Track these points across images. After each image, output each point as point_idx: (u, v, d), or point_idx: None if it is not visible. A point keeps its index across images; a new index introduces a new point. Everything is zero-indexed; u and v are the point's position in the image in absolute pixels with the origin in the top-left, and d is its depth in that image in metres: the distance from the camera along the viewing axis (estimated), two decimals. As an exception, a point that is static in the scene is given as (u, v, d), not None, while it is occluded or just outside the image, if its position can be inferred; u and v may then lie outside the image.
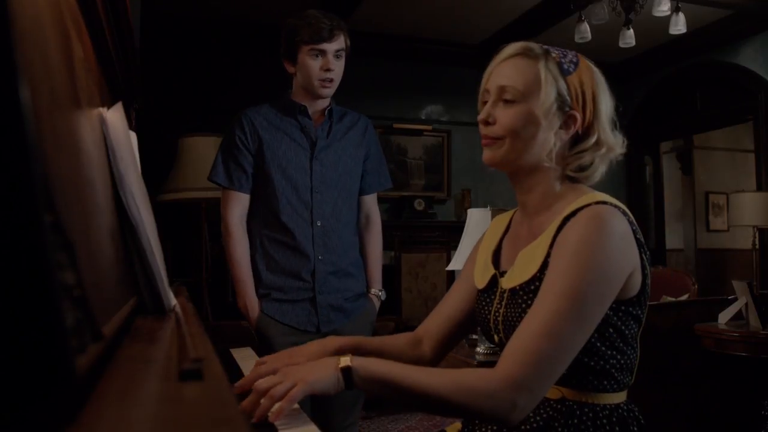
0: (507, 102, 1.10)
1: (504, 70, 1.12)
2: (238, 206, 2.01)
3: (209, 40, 4.68)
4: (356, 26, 4.32)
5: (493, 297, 1.18)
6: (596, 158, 1.11)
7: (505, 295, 1.14)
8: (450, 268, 2.42)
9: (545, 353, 0.95)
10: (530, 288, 1.08)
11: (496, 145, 1.12)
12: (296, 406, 1.00)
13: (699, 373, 2.81)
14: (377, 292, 2.15)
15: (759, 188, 4.95)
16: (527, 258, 1.10)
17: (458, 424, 1.25)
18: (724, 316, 2.77)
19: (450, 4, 4.55)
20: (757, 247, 4.63)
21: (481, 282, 1.23)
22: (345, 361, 0.98)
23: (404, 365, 1.01)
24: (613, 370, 1.06)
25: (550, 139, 1.08)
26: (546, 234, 1.08)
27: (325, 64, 1.93)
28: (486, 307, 1.20)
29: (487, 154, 1.14)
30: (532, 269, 1.08)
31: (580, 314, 0.97)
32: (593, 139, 1.10)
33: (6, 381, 0.33)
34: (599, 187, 1.15)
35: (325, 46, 1.92)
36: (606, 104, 1.12)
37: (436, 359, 1.29)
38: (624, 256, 1.02)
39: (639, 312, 1.08)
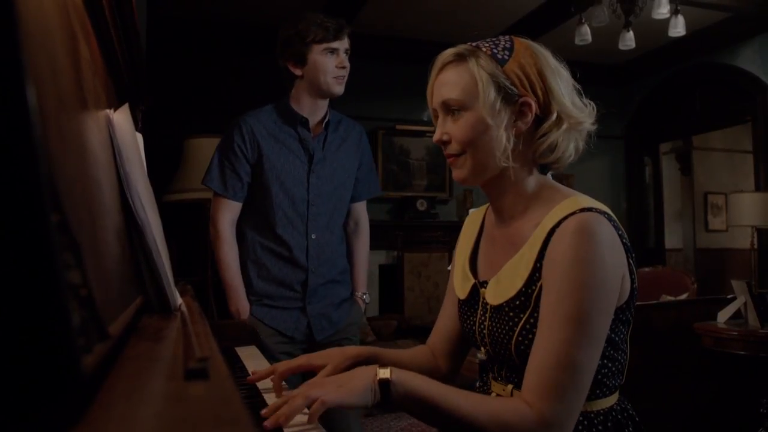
0: (454, 115, 1.06)
1: (441, 84, 1.08)
2: (230, 213, 1.99)
3: (215, 42, 4.68)
4: (359, 29, 4.31)
5: (476, 308, 1.14)
6: (560, 136, 1.04)
7: (489, 308, 1.09)
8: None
9: (567, 385, 0.92)
10: (515, 303, 1.04)
11: (460, 162, 1.07)
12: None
13: (698, 372, 2.82)
14: (362, 295, 2.16)
15: (757, 189, 4.95)
16: (511, 273, 1.05)
17: None
18: (723, 315, 2.78)
19: (452, 7, 4.55)
20: (755, 246, 4.63)
21: (461, 292, 1.18)
22: (384, 372, 0.92)
23: (442, 384, 0.96)
24: (605, 379, 1.04)
25: (501, 138, 1.03)
26: (530, 246, 1.03)
27: (340, 61, 1.96)
28: (470, 319, 1.16)
29: (455, 174, 1.10)
30: (518, 284, 1.03)
31: (589, 335, 0.94)
32: (553, 117, 1.03)
33: (13, 380, 0.33)
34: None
35: (338, 44, 1.95)
36: (556, 78, 1.05)
37: (450, 372, 1.27)
38: (616, 264, 0.98)
39: (628, 315, 1.05)
